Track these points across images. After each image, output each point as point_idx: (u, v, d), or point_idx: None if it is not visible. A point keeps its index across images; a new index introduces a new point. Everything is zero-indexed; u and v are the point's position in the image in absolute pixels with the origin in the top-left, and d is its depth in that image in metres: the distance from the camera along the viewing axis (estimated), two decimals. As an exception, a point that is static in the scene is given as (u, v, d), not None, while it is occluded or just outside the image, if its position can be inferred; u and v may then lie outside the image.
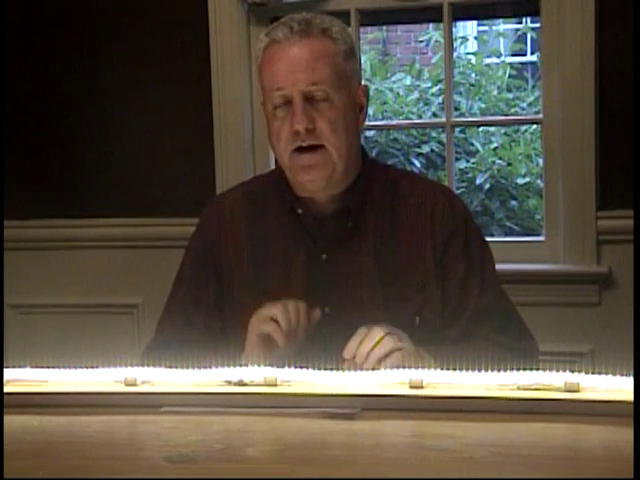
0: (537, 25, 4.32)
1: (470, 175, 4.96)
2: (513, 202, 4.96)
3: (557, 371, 1.26)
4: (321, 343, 1.54)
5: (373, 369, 1.39)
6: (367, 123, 2.24)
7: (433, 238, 1.64)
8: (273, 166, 2.90)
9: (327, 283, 1.64)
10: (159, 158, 2.93)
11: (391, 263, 1.63)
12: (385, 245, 1.64)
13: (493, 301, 1.65)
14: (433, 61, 5.85)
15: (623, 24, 2.57)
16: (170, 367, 1.36)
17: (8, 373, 1.37)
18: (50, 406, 1.30)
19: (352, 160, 1.64)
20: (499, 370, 1.28)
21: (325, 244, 1.65)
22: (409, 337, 1.53)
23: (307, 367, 1.34)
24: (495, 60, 5.78)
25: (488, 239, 1.76)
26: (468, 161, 5.02)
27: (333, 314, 1.62)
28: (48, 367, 1.37)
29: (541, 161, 3.82)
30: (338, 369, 1.34)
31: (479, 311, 1.63)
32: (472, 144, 5.02)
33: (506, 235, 4.68)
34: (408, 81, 5.47)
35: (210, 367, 1.35)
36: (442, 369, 1.30)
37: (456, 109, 4.83)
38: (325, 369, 1.33)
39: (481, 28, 6.82)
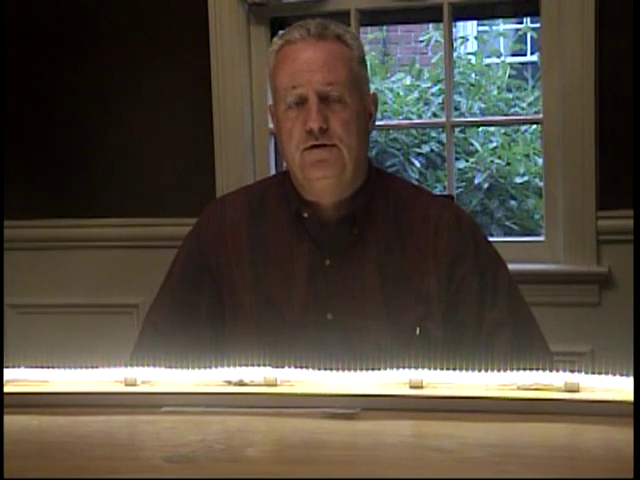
0: (537, 25, 4.32)
1: (469, 175, 4.96)
2: (512, 202, 4.96)
3: (557, 371, 1.26)
4: (324, 350, 1.54)
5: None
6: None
7: (436, 251, 1.62)
8: (273, 166, 2.93)
9: (330, 290, 1.62)
10: (159, 158, 2.93)
11: (394, 272, 1.62)
12: (389, 254, 1.63)
13: (507, 313, 1.63)
14: (433, 61, 5.85)
15: (623, 24, 2.57)
16: (170, 367, 1.36)
17: (8, 373, 1.36)
18: (50, 406, 1.30)
19: (360, 164, 1.63)
20: (499, 370, 1.28)
21: (329, 250, 1.63)
22: (408, 347, 1.52)
23: (307, 367, 1.33)
24: (495, 60, 5.78)
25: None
26: (467, 161, 5.02)
27: (336, 321, 1.61)
28: (48, 367, 1.37)
29: (540, 160, 3.83)
30: (338, 369, 1.34)
31: (494, 324, 1.61)
32: (471, 144, 5.02)
33: (505, 235, 4.68)
34: (408, 81, 5.48)
35: (210, 367, 1.35)
36: (442, 369, 1.30)
37: (456, 109, 4.83)
38: (325, 369, 1.33)
39: (481, 28, 6.82)
